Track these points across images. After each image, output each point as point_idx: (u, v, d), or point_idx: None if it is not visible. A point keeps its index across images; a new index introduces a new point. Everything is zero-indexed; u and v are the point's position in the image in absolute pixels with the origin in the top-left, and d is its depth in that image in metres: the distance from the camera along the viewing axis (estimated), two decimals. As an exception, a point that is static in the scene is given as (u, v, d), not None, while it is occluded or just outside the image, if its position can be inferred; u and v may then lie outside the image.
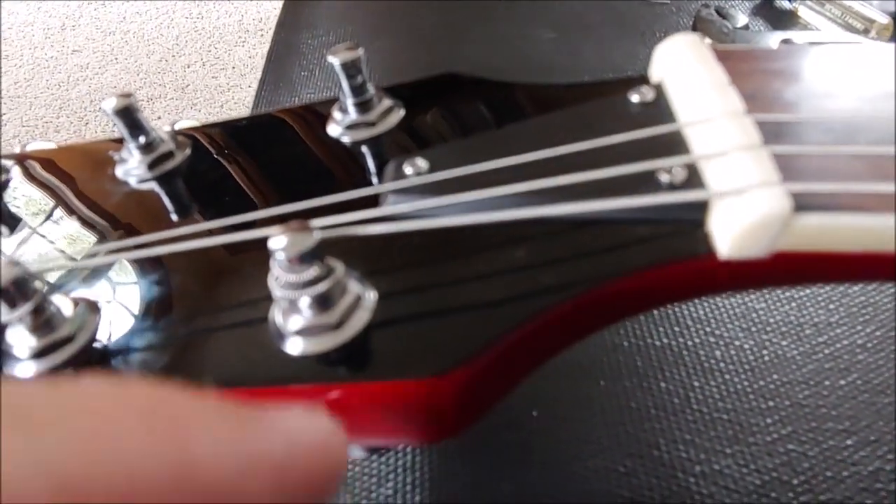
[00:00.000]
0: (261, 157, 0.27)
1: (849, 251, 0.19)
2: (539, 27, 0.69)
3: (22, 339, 0.20)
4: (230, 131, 0.28)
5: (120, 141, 0.27)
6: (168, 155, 0.26)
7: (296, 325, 0.19)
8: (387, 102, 0.27)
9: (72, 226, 0.25)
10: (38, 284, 0.20)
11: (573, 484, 0.36)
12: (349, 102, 0.26)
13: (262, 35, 1.79)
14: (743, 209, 0.19)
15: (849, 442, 0.37)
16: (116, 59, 1.77)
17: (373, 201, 0.23)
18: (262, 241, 0.19)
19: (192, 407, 0.14)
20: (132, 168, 0.26)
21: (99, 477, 0.11)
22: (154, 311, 0.22)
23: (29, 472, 0.11)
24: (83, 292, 0.23)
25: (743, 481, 0.36)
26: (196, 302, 0.22)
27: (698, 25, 0.62)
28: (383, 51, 0.67)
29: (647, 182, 0.21)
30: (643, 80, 0.25)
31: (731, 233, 0.19)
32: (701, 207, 0.20)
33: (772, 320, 0.42)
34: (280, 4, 0.81)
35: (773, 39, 0.57)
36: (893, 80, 0.22)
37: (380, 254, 0.22)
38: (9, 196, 0.27)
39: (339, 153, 0.26)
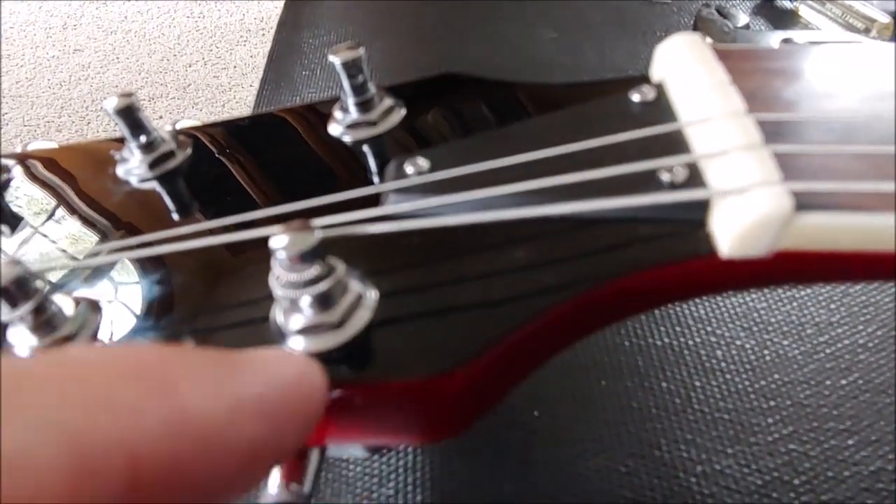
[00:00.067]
0: (262, 157, 0.27)
1: (849, 250, 0.19)
2: (540, 27, 0.69)
3: (23, 339, 0.20)
4: (231, 131, 0.28)
5: (121, 140, 0.27)
6: (169, 154, 0.27)
7: (297, 325, 0.19)
8: (388, 102, 0.27)
9: (73, 225, 0.25)
10: (39, 284, 0.20)
11: (574, 484, 0.36)
12: (350, 102, 0.26)
13: (263, 34, 1.79)
14: (744, 208, 0.19)
15: (850, 442, 0.37)
16: (118, 58, 1.77)
17: (374, 200, 0.23)
18: (264, 241, 0.19)
19: (177, 361, 0.15)
20: (133, 167, 0.26)
21: (103, 435, 0.12)
22: (155, 311, 0.22)
23: (41, 439, 0.11)
24: (84, 292, 0.23)
25: (744, 481, 0.36)
26: (197, 301, 0.22)
27: (699, 25, 0.62)
28: (384, 50, 0.67)
29: (648, 181, 0.21)
30: (644, 79, 0.25)
31: (733, 232, 0.19)
32: (702, 207, 0.20)
33: (773, 320, 0.42)
34: (281, 4, 0.81)
35: (773, 39, 0.57)
36: (894, 79, 0.22)
37: (381, 253, 0.22)
38: (10, 196, 0.27)
39: (340, 152, 0.26)
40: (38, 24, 1.91)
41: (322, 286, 0.18)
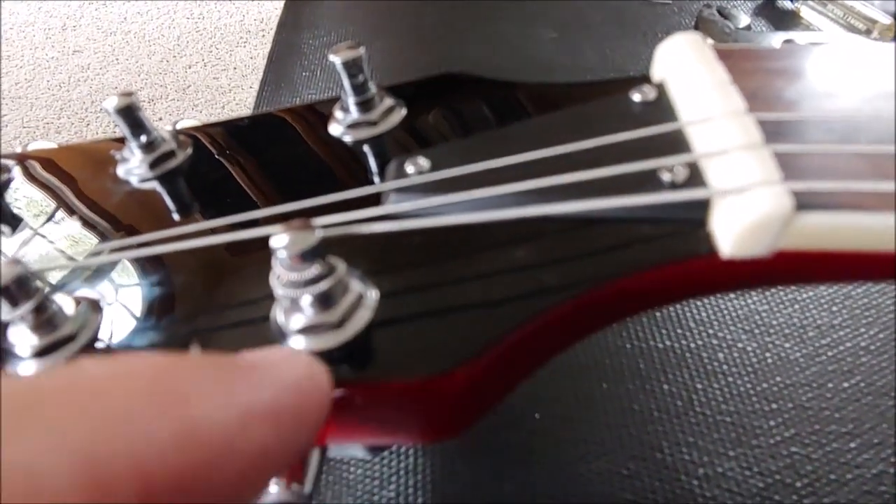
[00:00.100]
0: (262, 157, 0.27)
1: (850, 250, 0.19)
2: (540, 27, 0.69)
3: (24, 338, 0.20)
4: (231, 131, 0.28)
5: (121, 140, 0.27)
6: (169, 154, 0.27)
7: (298, 324, 0.19)
8: (388, 101, 0.27)
9: (73, 225, 0.25)
10: (39, 283, 0.20)
11: (576, 486, 0.36)
12: (351, 101, 0.26)
13: (263, 35, 1.79)
14: (745, 208, 0.19)
15: (852, 445, 0.37)
16: (117, 59, 1.77)
17: (374, 200, 0.23)
18: (264, 240, 0.19)
19: (187, 372, 0.15)
20: (134, 167, 0.26)
21: (116, 453, 0.12)
22: (156, 310, 0.22)
23: (57, 455, 0.11)
24: (85, 292, 0.23)
25: (746, 484, 0.35)
26: (198, 301, 0.22)
27: (700, 26, 0.62)
28: (384, 50, 0.67)
29: (648, 181, 0.21)
30: (645, 79, 0.25)
31: (733, 232, 0.19)
32: (703, 206, 0.20)
33: (775, 323, 0.42)
34: (281, 4, 0.81)
35: (775, 40, 0.57)
36: (894, 79, 0.22)
37: (381, 252, 0.22)
38: (10, 196, 0.27)
39: (340, 152, 0.26)
40: (37, 24, 1.91)
41: (323, 285, 0.18)
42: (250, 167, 0.26)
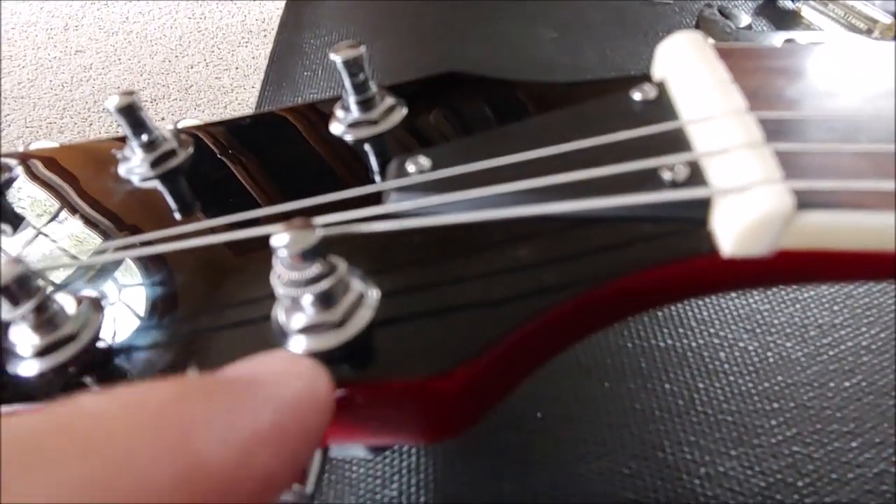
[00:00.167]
0: (263, 156, 0.27)
1: (851, 249, 0.19)
2: (541, 27, 0.69)
3: (25, 337, 0.20)
4: (232, 130, 0.28)
5: (122, 140, 0.27)
6: (171, 153, 0.27)
7: (298, 324, 0.19)
8: (389, 101, 0.27)
9: (74, 224, 0.25)
10: (40, 283, 0.20)
11: (577, 485, 0.36)
12: (351, 100, 0.26)
13: (265, 35, 1.79)
14: (746, 207, 0.19)
15: (853, 444, 0.37)
16: (119, 59, 1.78)
17: (375, 199, 0.23)
18: (265, 239, 0.19)
19: (185, 405, 0.14)
20: (135, 166, 0.26)
21: (119, 495, 0.12)
22: (157, 310, 0.22)
23: (55, 499, 0.11)
24: (86, 291, 0.23)
25: (748, 483, 0.36)
26: (199, 300, 0.22)
27: (701, 25, 0.62)
28: (385, 50, 0.67)
29: (649, 180, 0.21)
30: (645, 77, 0.25)
31: (734, 231, 0.19)
32: (703, 205, 0.20)
33: (776, 322, 0.42)
34: (283, 5, 0.81)
35: (775, 39, 0.57)
36: (894, 78, 0.22)
37: (382, 252, 0.22)
38: (12, 195, 0.27)
39: (341, 151, 0.26)
40: (39, 24, 1.91)
41: (324, 285, 0.18)
42: (251, 166, 0.26)
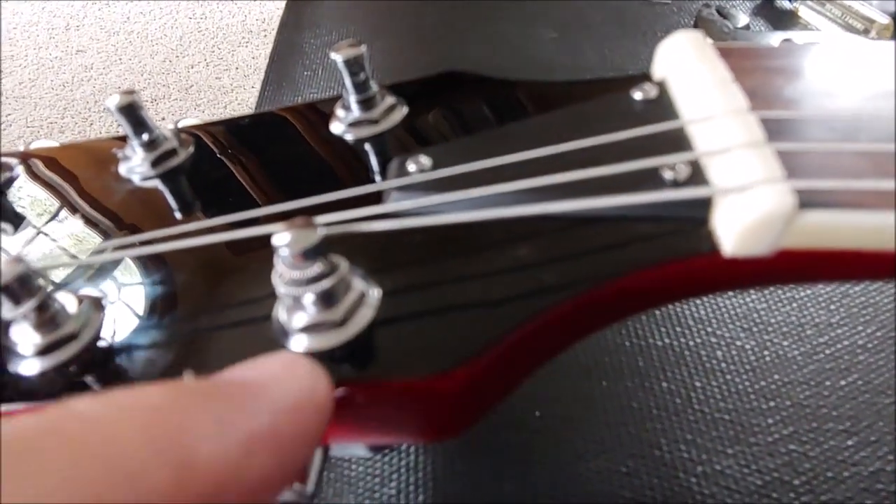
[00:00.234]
0: (264, 155, 0.27)
1: (852, 249, 0.19)
2: (540, 27, 0.69)
3: (26, 336, 0.20)
4: (233, 129, 0.28)
5: (123, 139, 0.27)
6: (171, 152, 0.27)
7: (300, 323, 0.19)
8: (390, 100, 0.27)
9: (75, 224, 0.25)
10: (41, 282, 0.20)
11: (575, 484, 0.36)
12: (352, 100, 0.26)
13: (265, 35, 1.79)
14: (747, 206, 0.19)
15: (849, 442, 0.37)
16: (120, 59, 1.77)
17: (376, 199, 0.23)
18: (266, 239, 0.19)
19: (181, 409, 0.14)
20: (136, 165, 0.26)
21: (111, 495, 0.12)
22: (158, 309, 0.22)
23: (49, 501, 0.11)
24: (87, 290, 0.23)
25: (744, 481, 0.36)
26: (200, 299, 0.22)
27: (699, 25, 0.62)
28: (385, 50, 0.67)
29: (650, 179, 0.21)
30: (646, 77, 0.25)
31: (735, 230, 0.19)
32: (704, 205, 0.20)
33: (773, 321, 0.42)
34: (283, 5, 0.81)
35: (773, 39, 0.57)
36: (894, 77, 0.22)
37: (383, 251, 0.22)
38: (12, 194, 0.27)
39: (342, 151, 0.26)
40: (40, 24, 1.91)
41: (325, 284, 0.18)
42: (252, 166, 0.26)
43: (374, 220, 0.21)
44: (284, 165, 0.26)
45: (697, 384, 0.40)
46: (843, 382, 0.39)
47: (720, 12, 0.62)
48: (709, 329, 0.42)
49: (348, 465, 0.38)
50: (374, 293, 0.20)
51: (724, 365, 0.40)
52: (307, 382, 0.17)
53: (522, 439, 0.38)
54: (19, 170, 0.28)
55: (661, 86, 0.24)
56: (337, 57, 0.25)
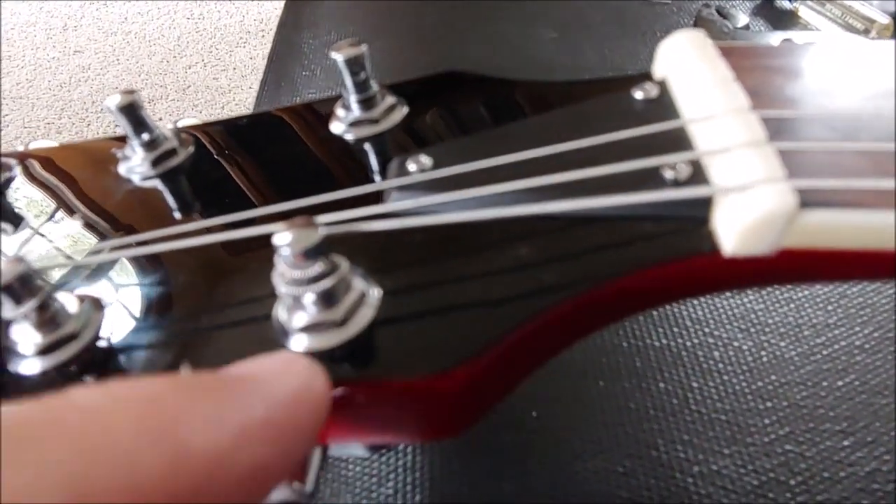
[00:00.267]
0: (264, 155, 0.27)
1: (853, 248, 0.19)
2: (540, 27, 0.69)
3: (27, 336, 0.20)
4: (233, 129, 0.28)
5: (123, 139, 0.27)
6: (171, 152, 0.26)
7: (300, 322, 0.19)
8: (390, 100, 0.27)
9: (75, 224, 0.25)
10: (42, 281, 0.20)
11: (572, 484, 0.36)
12: (352, 99, 0.26)
13: (263, 36, 1.79)
14: (748, 206, 0.19)
15: (846, 443, 0.37)
16: (118, 59, 1.77)
17: (376, 198, 0.23)
18: (267, 238, 0.19)
19: (177, 396, 0.15)
20: (135, 165, 0.26)
21: (109, 482, 0.12)
22: (158, 309, 0.22)
23: (44, 485, 0.11)
24: (87, 290, 0.23)
25: (741, 481, 0.36)
26: (200, 299, 0.22)
27: (699, 25, 0.62)
28: (384, 50, 0.67)
29: (651, 178, 0.21)
30: (647, 76, 0.25)
31: (736, 229, 0.19)
32: (705, 204, 0.20)
33: (770, 321, 0.42)
34: (281, 5, 0.81)
35: (773, 39, 0.57)
36: (895, 77, 0.22)
37: (383, 251, 0.22)
38: (12, 194, 0.27)
39: (342, 150, 0.26)
40: (38, 25, 1.91)
41: (325, 283, 0.18)
42: (252, 165, 0.26)
43: (374, 220, 0.21)
44: (285, 165, 0.26)
45: (694, 384, 0.40)
46: (840, 383, 0.39)
47: (720, 12, 0.62)
48: (706, 329, 0.42)
49: (345, 464, 0.38)
50: (375, 293, 0.20)
51: (721, 365, 0.40)
52: (304, 379, 0.17)
53: (520, 439, 0.38)
54: (18, 170, 0.28)
55: (662, 85, 0.24)
56: (338, 56, 0.25)
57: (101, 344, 0.21)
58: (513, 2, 0.72)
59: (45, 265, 0.23)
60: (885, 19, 0.60)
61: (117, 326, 0.21)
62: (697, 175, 0.21)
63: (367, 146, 0.26)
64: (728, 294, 0.44)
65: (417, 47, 0.68)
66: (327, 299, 0.19)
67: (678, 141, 0.22)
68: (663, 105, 0.23)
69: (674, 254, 0.20)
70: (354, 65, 0.25)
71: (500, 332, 0.19)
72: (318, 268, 0.18)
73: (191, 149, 0.27)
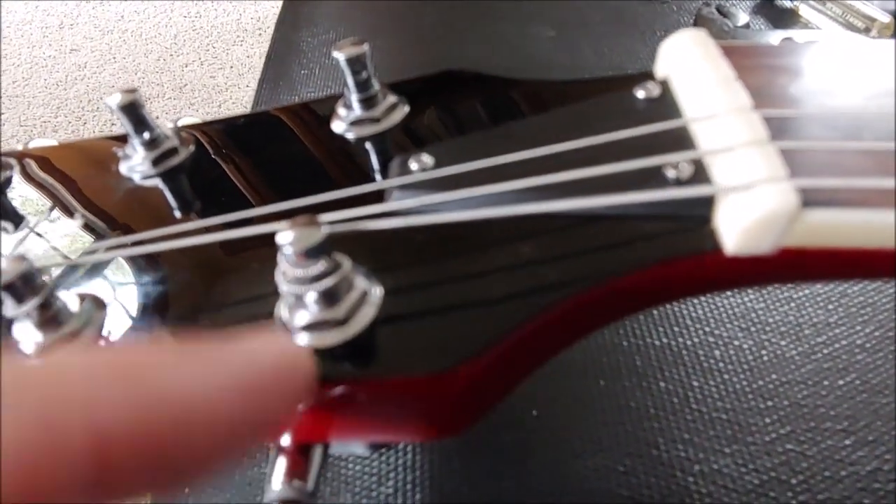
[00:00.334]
0: (265, 154, 0.27)
1: (855, 247, 0.19)
2: (539, 26, 0.69)
3: (28, 335, 0.20)
4: (234, 128, 0.28)
5: (123, 138, 0.27)
6: (172, 151, 0.26)
7: (302, 321, 0.19)
8: (391, 99, 0.27)
9: (76, 223, 0.25)
10: (44, 280, 0.20)
11: (573, 483, 0.36)
12: (354, 98, 0.26)
13: (260, 34, 1.79)
14: (750, 205, 0.19)
15: (847, 442, 0.37)
16: (114, 58, 1.77)
17: (378, 197, 0.23)
18: (269, 237, 0.19)
19: (157, 355, 0.16)
20: (136, 164, 0.26)
21: (71, 416, 0.13)
22: (161, 307, 0.22)
23: (17, 426, 0.12)
24: (89, 289, 0.23)
25: (741, 480, 0.36)
26: (203, 297, 0.22)
27: (699, 24, 0.62)
28: (383, 50, 0.67)
29: (653, 177, 0.21)
30: (648, 75, 0.25)
31: (738, 228, 0.19)
32: (707, 203, 0.20)
33: (771, 320, 0.42)
34: (278, 3, 0.81)
35: (773, 38, 0.57)
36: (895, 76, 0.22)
37: (385, 250, 0.22)
38: (12, 193, 0.27)
39: (343, 149, 0.26)
40: (34, 23, 1.91)
41: (327, 282, 0.18)
42: (254, 165, 0.26)
43: (376, 219, 0.21)
44: (286, 164, 0.26)
45: (695, 383, 0.40)
46: (840, 382, 0.39)
47: (720, 11, 0.62)
48: (707, 328, 0.42)
49: (345, 463, 0.38)
50: (376, 292, 0.20)
51: (721, 364, 0.40)
52: (284, 348, 0.18)
53: (520, 438, 0.38)
54: (18, 168, 0.27)
55: (664, 84, 0.24)
56: (339, 55, 0.25)
57: (102, 343, 0.21)
58: (511, 1, 0.72)
59: (47, 264, 0.23)
60: (885, 18, 0.60)
61: (120, 325, 0.21)
62: (699, 174, 0.21)
63: (369, 145, 0.26)
64: (729, 293, 0.44)
65: (416, 47, 0.68)
66: (329, 298, 0.19)
67: (680, 140, 0.22)
68: (665, 104, 0.23)
69: (675, 253, 0.20)
70: (356, 63, 0.25)
71: (501, 331, 0.19)
72: (320, 266, 0.18)
73: (191, 148, 0.27)
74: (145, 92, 1.62)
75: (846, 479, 0.35)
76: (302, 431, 0.20)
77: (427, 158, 0.23)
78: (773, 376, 0.40)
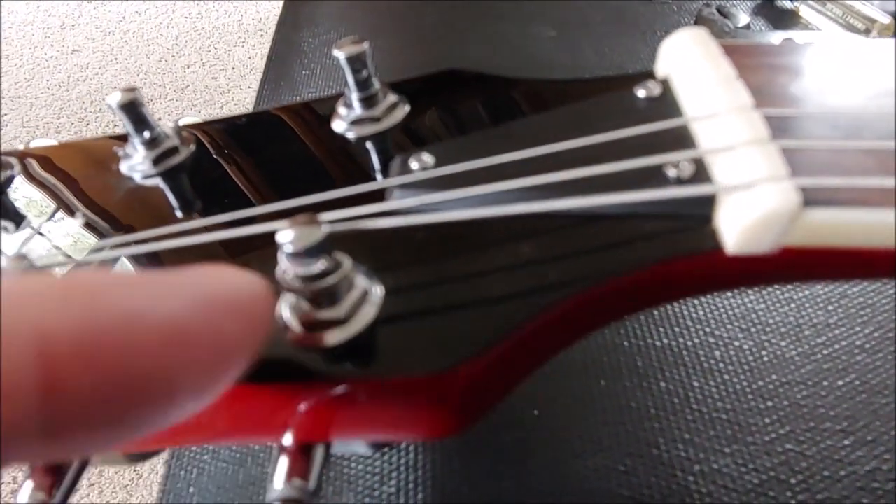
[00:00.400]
0: (266, 153, 0.27)
1: (855, 247, 0.19)
2: (539, 25, 0.69)
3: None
4: (235, 127, 0.28)
5: (124, 137, 0.27)
6: (173, 150, 0.26)
7: (303, 320, 0.19)
8: (392, 98, 0.27)
9: (77, 222, 0.25)
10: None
11: (573, 482, 0.36)
12: (354, 97, 0.26)
13: (261, 35, 1.79)
14: (751, 204, 0.19)
15: (846, 442, 0.37)
16: (116, 59, 1.77)
17: (378, 196, 0.23)
18: (269, 236, 0.19)
19: (107, 275, 0.16)
20: (137, 164, 0.26)
21: (17, 320, 0.13)
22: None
23: None
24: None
25: (741, 480, 0.36)
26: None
27: (700, 24, 0.62)
28: (384, 50, 0.67)
29: (654, 176, 0.21)
30: (649, 74, 0.25)
31: (739, 227, 0.19)
32: (708, 202, 0.20)
33: (771, 321, 0.42)
34: (280, 4, 0.81)
35: (774, 39, 0.57)
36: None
37: (386, 249, 0.22)
38: (13, 193, 0.27)
39: (344, 148, 0.26)
40: (36, 24, 1.91)
41: (328, 281, 0.18)
42: (254, 164, 0.26)
43: (377, 218, 0.21)
44: (287, 163, 0.26)
45: (695, 384, 0.40)
46: (840, 382, 0.39)
47: (721, 11, 0.62)
48: (707, 329, 0.42)
49: (347, 463, 0.38)
50: (377, 291, 0.20)
51: (721, 365, 0.40)
52: (242, 290, 0.17)
53: (521, 438, 0.38)
54: (19, 168, 0.27)
55: (665, 83, 0.24)
56: (339, 54, 0.25)
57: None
58: (512, 1, 0.72)
59: (48, 263, 0.23)
60: (885, 19, 0.60)
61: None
62: (700, 173, 0.21)
63: (369, 144, 0.26)
64: (729, 294, 0.44)
65: (417, 47, 0.68)
66: (330, 297, 0.19)
67: (681, 139, 0.22)
68: (666, 103, 0.23)
69: (676, 252, 0.20)
70: (356, 62, 0.25)
71: (501, 332, 0.19)
72: (320, 265, 0.18)
73: (192, 147, 0.27)
74: (147, 93, 1.63)
75: (845, 479, 0.35)
76: (303, 431, 0.20)
77: (427, 157, 0.23)
78: (773, 377, 0.40)
